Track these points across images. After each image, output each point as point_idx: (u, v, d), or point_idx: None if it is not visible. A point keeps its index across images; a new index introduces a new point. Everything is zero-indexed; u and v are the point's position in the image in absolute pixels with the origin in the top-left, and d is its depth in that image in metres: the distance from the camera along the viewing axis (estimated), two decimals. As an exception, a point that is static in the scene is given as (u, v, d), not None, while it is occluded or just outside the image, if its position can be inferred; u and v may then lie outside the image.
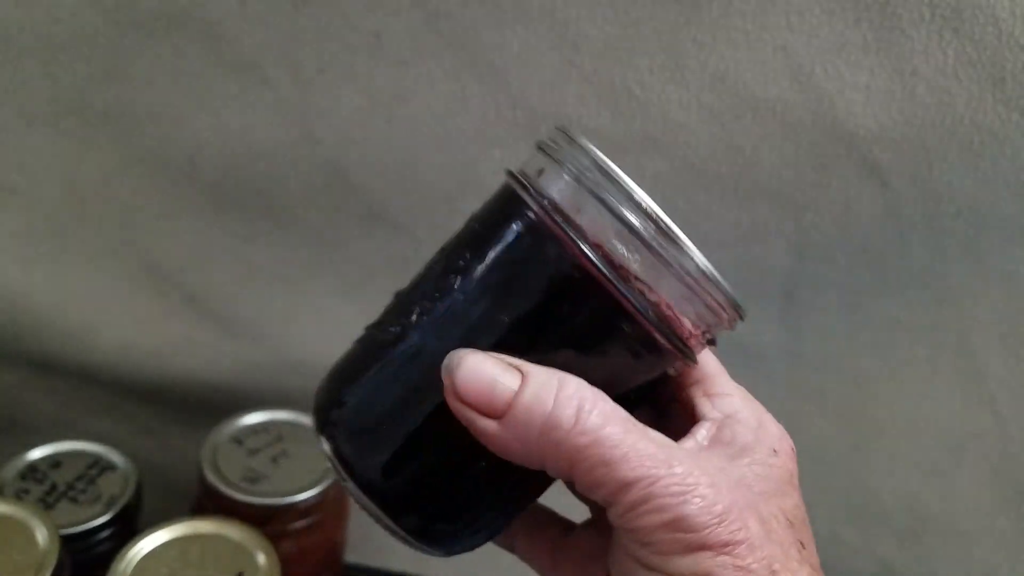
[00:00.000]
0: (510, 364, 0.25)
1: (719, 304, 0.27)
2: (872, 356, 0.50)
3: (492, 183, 0.44)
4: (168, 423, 0.61)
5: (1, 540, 0.41)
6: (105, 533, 0.49)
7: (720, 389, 0.29)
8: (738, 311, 0.28)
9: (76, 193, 0.50)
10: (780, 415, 0.54)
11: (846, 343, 0.50)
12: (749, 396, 0.30)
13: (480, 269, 0.27)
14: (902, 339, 0.49)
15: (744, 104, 0.42)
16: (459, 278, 0.28)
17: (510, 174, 0.28)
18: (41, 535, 0.41)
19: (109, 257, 0.52)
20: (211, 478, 0.48)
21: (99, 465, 0.52)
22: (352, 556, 0.58)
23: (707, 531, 0.24)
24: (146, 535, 0.44)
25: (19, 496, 0.48)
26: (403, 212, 0.47)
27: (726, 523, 0.24)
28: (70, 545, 0.46)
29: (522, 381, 0.25)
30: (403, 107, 0.44)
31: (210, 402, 0.57)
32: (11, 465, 0.51)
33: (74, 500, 0.49)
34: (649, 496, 0.24)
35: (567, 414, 0.24)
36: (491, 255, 0.27)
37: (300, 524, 0.49)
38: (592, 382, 0.25)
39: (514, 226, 0.27)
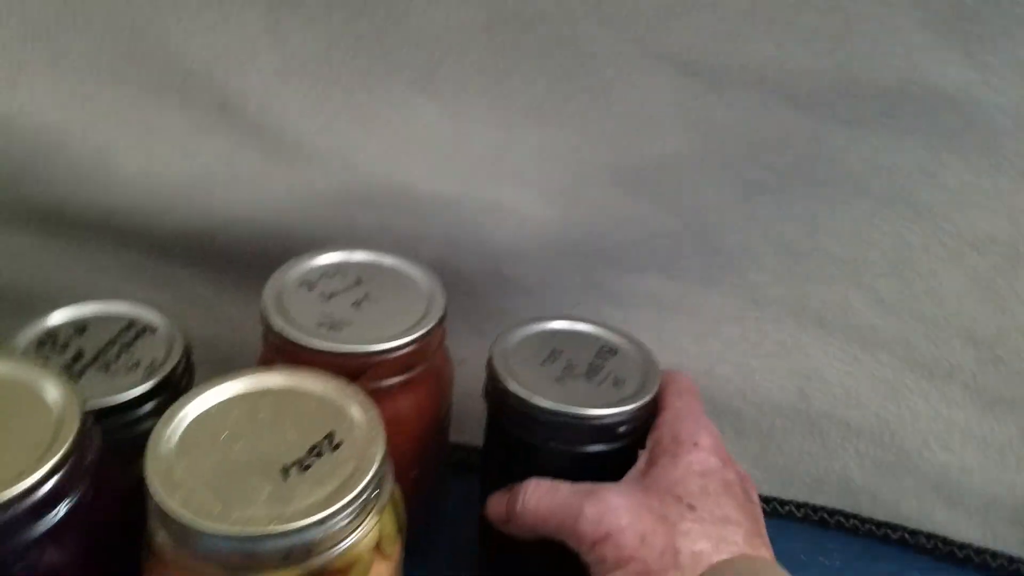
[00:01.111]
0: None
1: None
2: None
3: None
4: (220, 287, 0.49)
5: (6, 407, 0.30)
6: (147, 407, 0.37)
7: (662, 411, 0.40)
8: None
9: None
10: (1002, 217, 0.41)
11: None
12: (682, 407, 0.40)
13: None
14: None
15: None
16: None
17: None
18: (52, 395, 0.30)
19: (116, 58, 0.40)
20: (279, 324, 0.37)
21: (134, 328, 0.41)
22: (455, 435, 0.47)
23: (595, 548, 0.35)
24: (199, 391, 0.32)
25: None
26: None
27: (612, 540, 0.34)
28: (103, 423, 0.35)
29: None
30: None
31: (267, 254, 0.46)
32: (24, 332, 0.40)
33: (105, 368, 0.38)
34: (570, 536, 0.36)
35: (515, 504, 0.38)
36: None
37: (395, 381, 0.38)
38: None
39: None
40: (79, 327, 0.40)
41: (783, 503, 0.51)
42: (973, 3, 0.34)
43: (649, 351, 0.43)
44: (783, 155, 0.40)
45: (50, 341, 0.39)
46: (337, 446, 0.31)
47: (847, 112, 0.39)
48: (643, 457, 0.38)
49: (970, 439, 0.46)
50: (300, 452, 0.30)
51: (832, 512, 0.50)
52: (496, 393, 0.41)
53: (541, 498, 0.37)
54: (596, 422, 0.39)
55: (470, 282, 0.48)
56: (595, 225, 0.45)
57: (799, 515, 0.51)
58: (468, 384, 0.43)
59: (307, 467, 0.30)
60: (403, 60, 0.39)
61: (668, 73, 0.38)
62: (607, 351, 0.43)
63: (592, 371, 0.41)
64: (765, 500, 0.51)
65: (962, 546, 0.48)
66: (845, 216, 0.43)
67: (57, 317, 0.41)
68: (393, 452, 0.38)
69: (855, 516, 0.50)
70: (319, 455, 0.30)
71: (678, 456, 0.37)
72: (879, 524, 0.50)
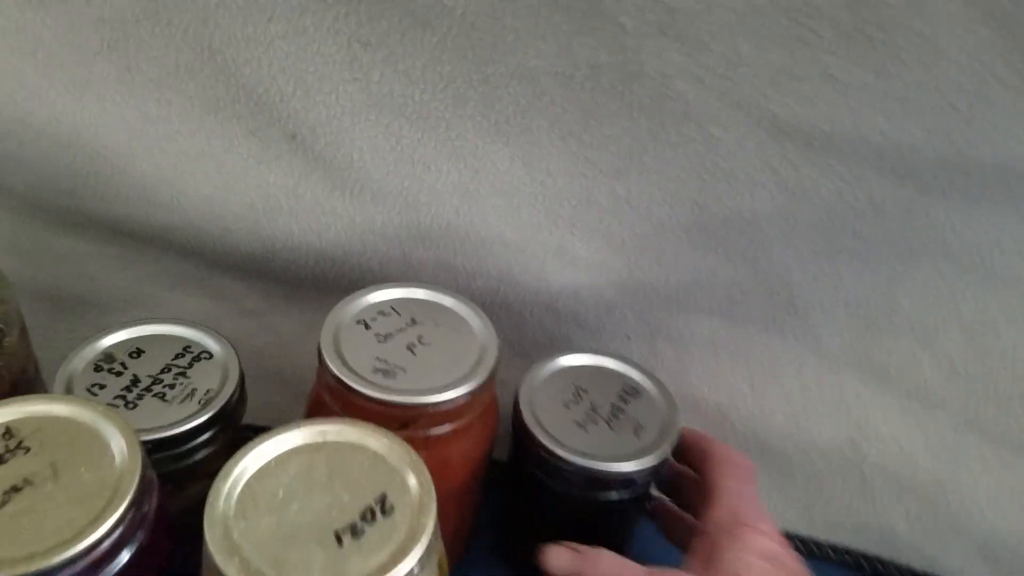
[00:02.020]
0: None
1: None
2: None
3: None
4: (272, 301, 0.49)
5: (69, 453, 0.30)
6: (201, 438, 0.38)
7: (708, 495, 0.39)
8: None
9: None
10: None
11: None
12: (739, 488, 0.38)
13: None
14: None
15: None
16: None
17: None
18: (116, 443, 0.31)
19: (187, 79, 0.40)
20: (336, 368, 0.37)
21: (190, 352, 0.41)
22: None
23: None
24: (256, 444, 0.32)
25: (91, 393, 0.38)
26: None
27: None
28: (156, 454, 0.36)
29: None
30: None
31: (322, 276, 0.46)
32: (81, 355, 0.40)
33: (161, 397, 0.39)
34: None
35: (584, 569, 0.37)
36: None
37: (442, 431, 0.38)
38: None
39: None
40: (135, 350, 0.41)
41: (819, 545, 0.51)
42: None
43: (670, 393, 0.44)
44: (873, 223, 0.39)
45: (106, 365, 0.40)
46: (389, 510, 0.31)
47: (947, 185, 0.37)
48: (701, 538, 0.38)
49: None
50: (353, 516, 0.31)
51: (869, 558, 0.50)
52: (521, 434, 0.42)
53: (610, 571, 0.37)
54: (615, 477, 0.40)
55: (520, 314, 0.48)
56: (664, 270, 0.45)
57: (834, 558, 0.51)
58: (502, 401, 0.44)
59: (360, 533, 0.30)
60: (484, 105, 0.38)
61: (761, 135, 0.37)
62: (629, 391, 0.44)
63: (614, 414, 0.43)
64: (804, 541, 0.51)
65: (998, 605, 0.48)
66: (927, 281, 0.42)
67: (113, 338, 0.41)
68: (439, 497, 0.39)
69: (893, 563, 0.50)
70: (372, 520, 0.31)
71: (741, 539, 0.36)
72: (916, 574, 0.49)
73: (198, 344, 0.42)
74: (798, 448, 0.49)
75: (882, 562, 0.50)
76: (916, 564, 0.49)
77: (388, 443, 0.33)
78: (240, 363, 0.41)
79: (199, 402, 0.39)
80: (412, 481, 0.32)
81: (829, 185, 0.38)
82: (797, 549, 0.51)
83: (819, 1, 0.32)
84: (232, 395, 0.39)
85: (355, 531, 0.30)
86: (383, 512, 0.31)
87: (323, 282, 0.45)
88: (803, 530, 0.50)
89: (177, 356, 0.41)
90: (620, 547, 0.48)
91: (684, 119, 0.37)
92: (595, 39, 0.34)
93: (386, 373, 0.37)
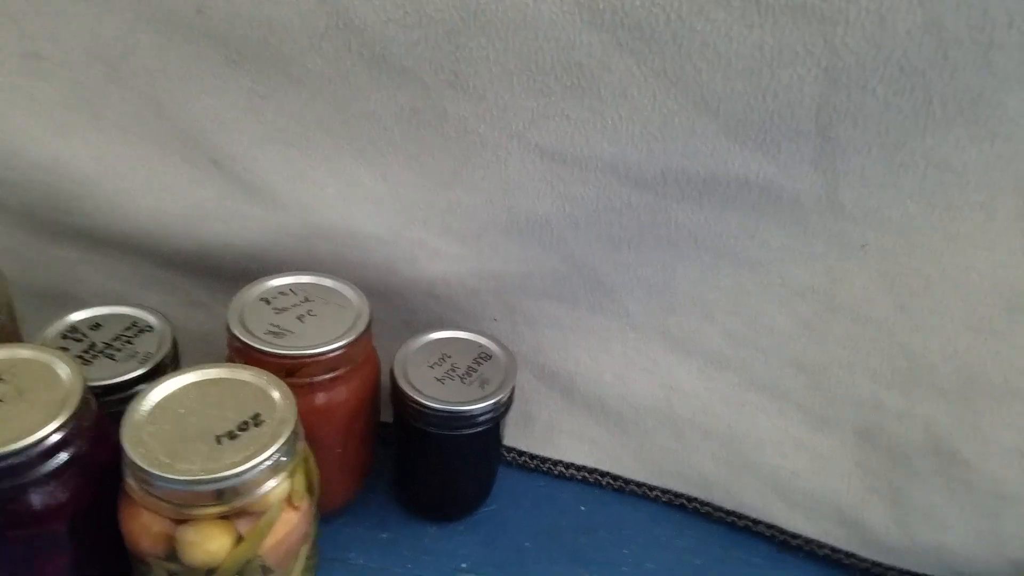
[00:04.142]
0: None
1: None
2: (918, 202, 0.46)
3: (492, 12, 0.42)
4: (213, 294, 0.62)
5: (30, 381, 0.43)
6: (141, 386, 0.50)
7: None
8: None
9: (101, 57, 0.50)
10: (819, 272, 0.51)
11: (888, 188, 0.46)
12: None
13: None
14: (952, 182, 0.45)
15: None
16: None
17: None
18: (64, 374, 0.43)
19: (139, 123, 0.53)
20: (237, 331, 0.49)
21: (137, 327, 0.54)
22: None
23: None
24: (168, 378, 0.45)
25: (58, 349, 0.51)
26: (407, 53, 0.45)
27: None
28: (105, 397, 0.48)
29: None
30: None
31: (247, 270, 0.58)
32: (53, 326, 0.53)
33: (111, 357, 0.51)
34: None
35: None
36: None
37: (325, 377, 0.50)
38: None
39: None
40: (95, 324, 0.54)
41: (652, 488, 0.62)
42: (759, 117, 0.45)
43: (514, 358, 0.56)
44: (633, 220, 0.51)
45: (71, 334, 0.53)
46: (260, 423, 0.43)
47: (676, 191, 0.49)
48: None
49: (800, 449, 0.57)
50: (232, 426, 0.43)
51: (690, 499, 0.61)
52: (394, 389, 0.54)
53: None
54: (463, 415, 0.52)
55: (407, 299, 0.60)
56: (501, 261, 0.57)
57: (664, 499, 0.62)
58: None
59: (235, 437, 0.42)
60: (348, 137, 0.51)
61: (535, 158, 0.49)
62: (484, 357, 0.56)
63: (468, 373, 0.55)
64: (639, 485, 0.62)
65: (794, 536, 0.59)
66: (692, 266, 0.54)
67: (78, 316, 0.54)
68: (322, 433, 0.51)
69: (709, 504, 0.61)
70: (245, 429, 0.43)
71: None
72: (728, 512, 0.60)
73: (143, 320, 0.54)
74: (628, 405, 0.60)
75: (699, 502, 0.61)
76: (727, 504, 0.60)
77: (267, 380, 0.46)
78: (174, 333, 0.53)
79: (139, 361, 0.51)
80: (280, 401, 0.44)
81: (590, 192, 0.50)
82: (635, 494, 0.63)
83: (544, 63, 0.45)
84: (166, 356, 0.52)
85: (231, 436, 0.42)
86: (255, 424, 0.43)
87: (249, 274, 0.58)
88: (639, 476, 0.62)
89: (126, 328, 0.53)
90: (480, 478, 0.60)
91: (482, 147, 0.49)
92: (409, 92, 0.47)
93: (276, 335, 0.50)
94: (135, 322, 0.54)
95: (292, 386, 0.47)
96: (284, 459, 0.43)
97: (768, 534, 0.60)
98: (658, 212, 0.50)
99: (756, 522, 0.60)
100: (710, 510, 0.61)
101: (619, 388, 0.60)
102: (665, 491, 0.62)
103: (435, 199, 0.53)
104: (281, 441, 0.42)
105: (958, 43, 0.39)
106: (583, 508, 0.63)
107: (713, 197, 0.49)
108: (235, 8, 0.46)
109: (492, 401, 0.53)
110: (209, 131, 0.52)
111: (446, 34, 0.44)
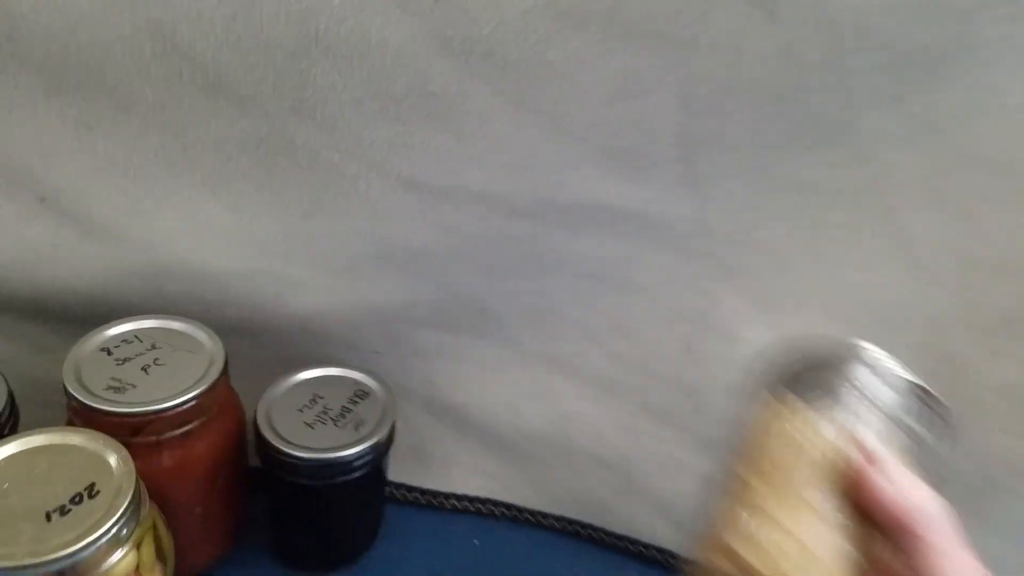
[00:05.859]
0: None
1: None
2: (785, 224, 0.46)
3: (333, 37, 0.39)
4: (63, 338, 0.57)
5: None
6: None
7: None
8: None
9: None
10: (694, 294, 0.50)
11: (756, 210, 0.46)
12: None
13: None
14: (815, 203, 0.45)
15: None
16: None
17: None
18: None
19: None
20: (72, 389, 0.45)
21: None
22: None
23: None
24: (-12, 450, 0.40)
25: None
26: (244, 79, 0.42)
27: None
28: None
29: None
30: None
31: (92, 313, 0.53)
32: None
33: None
34: None
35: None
36: None
37: (176, 433, 0.46)
38: None
39: None
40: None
41: (545, 516, 0.60)
42: (625, 145, 0.44)
43: (392, 393, 0.53)
44: (512, 248, 0.49)
45: None
46: (95, 494, 0.39)
47: (552, 220, 0.48)
48: None
49: (686, 472, 0.56)
50: (64, 500, 0.39)
51: (584, 525, 0.60)
52: (258, 439, 0.50)
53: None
54: (334, 462, 0.49)
55: (278, 336, 0.56)
56: (381, 292, 0.54)
57: (559, 527, 0.61)
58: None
59: (67, 512, 0.38)
60: (189, 168, 0.47)
61: (399, 189, 0.47)
62: (360, 394, 0.53)
63: (342, 414, 0.51)
64: (533, 513, 0.61)
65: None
66: (574, 292, 0.52)
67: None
68: (176, 494, 0.47)
69: (602, 530, 0.60)
70: (79, 502, 0.39)
71: None
72: (620, 537, 0.59)
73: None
74: (522, 435, 0.58)
75: (593, 528, 0.60)
76: (619, 528, 0.59)
77: (103, 443, 0.42)
78: (8, 385, 0.48)
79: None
80: (117, 467, 0.40)
81: (464, 221, 0.48)
82: (529, 523, 0.61)
83: (397, 91, 0.42)
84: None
85: (63, 511, 0.38)
86: (90, 496, 0.39)
87: (94, 318, 0.53)
88: (535, 505, 0.60)
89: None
90: (363, 524, 0.57)
91: (339, 177, 0.46)
92: (252, 119, 0.44)
93: (117, 390, 0.45)
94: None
95: (138, 446, 0.43)
96: (124, 532, 0.39)
97: (660, 558, 0.59)
98: (536, 240, 0.49)
99: (647, 547, 0.59)
100: (603, 535, 0.60)
101: (512, 418, 0.58)
102: (559, 518, 0.60)
103: (294, 230, 0.50)
104: (119, 513, 0.39)
105: (813, 69, 0.39)
106: (476, 542, 0.60)
107: (590, 225, 0.47)
108: (49, 33, 0.41)
109: (369, 443, 0.50)
110: (33, 165, 0.47)
111: (286, 59, 0.41)
